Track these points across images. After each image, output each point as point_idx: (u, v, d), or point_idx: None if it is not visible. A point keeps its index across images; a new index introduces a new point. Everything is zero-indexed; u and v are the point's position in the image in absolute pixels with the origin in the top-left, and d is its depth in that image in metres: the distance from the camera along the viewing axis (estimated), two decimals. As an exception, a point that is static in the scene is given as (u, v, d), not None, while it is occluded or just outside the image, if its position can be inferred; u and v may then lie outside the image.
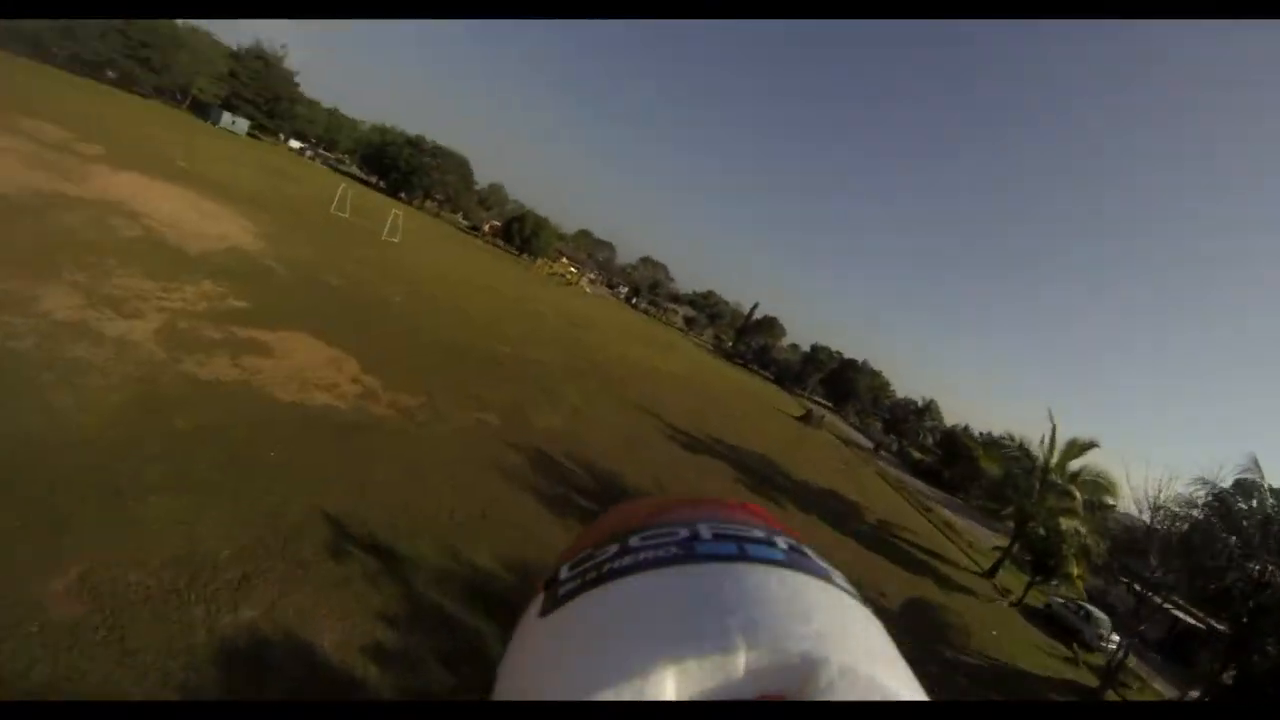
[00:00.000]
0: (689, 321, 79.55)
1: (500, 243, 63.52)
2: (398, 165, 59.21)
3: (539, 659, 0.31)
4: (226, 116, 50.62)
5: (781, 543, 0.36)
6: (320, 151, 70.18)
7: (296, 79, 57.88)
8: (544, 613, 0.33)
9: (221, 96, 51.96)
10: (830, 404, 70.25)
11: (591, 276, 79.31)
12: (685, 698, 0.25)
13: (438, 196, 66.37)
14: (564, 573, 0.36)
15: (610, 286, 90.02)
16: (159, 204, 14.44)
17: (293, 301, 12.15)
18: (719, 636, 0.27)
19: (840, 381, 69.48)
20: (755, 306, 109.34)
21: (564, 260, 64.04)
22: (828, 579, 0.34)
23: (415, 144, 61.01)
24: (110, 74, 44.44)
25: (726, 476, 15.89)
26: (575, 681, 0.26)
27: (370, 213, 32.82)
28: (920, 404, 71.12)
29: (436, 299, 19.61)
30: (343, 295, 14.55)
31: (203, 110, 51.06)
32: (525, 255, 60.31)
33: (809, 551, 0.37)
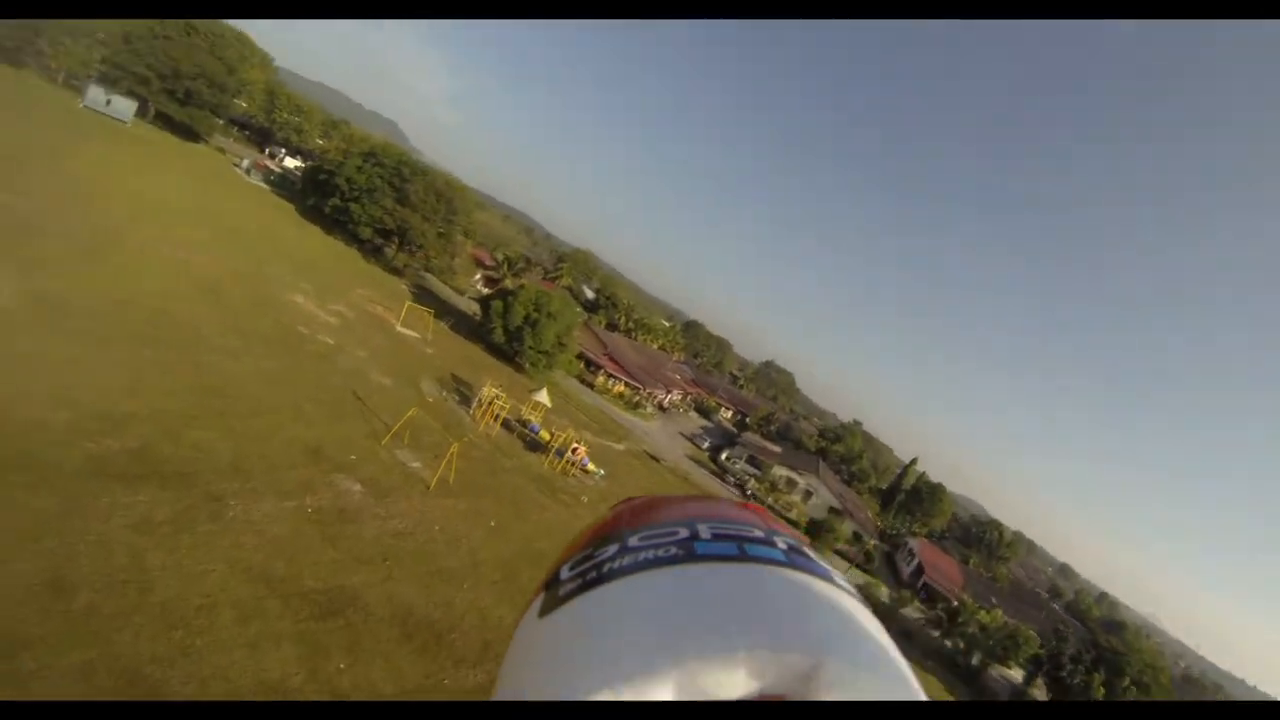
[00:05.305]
0: (809, 494, 41.07)
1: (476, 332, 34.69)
2: (335, 187, 37.81)
3: (539, 659, 0.31)
4: (96, 93, 36.24)
5: (781, 542, 0.36)
6: (261, 163, 49.38)
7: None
8: (544, 613, 0.33)
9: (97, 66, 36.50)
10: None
11: (664, 401, 50.45)
12: (685, 698, 0.25)
13: (411, 248, 40.91)
14: (564, 573, 0.36)
15: (702, 412, 64.21)
16: None
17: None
18: (719, 636, 0.26)
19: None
20: (913, 462, 65.23)
21: (535, 398, 25.97)
22: (828, 579, 0.34)
23: (372, 155, 38.44)
24: None
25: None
26: (575, 681, 0.26)
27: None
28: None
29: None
30: None
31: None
32: (526, 369, 32.41)
33: (809, 551, 0.37)
